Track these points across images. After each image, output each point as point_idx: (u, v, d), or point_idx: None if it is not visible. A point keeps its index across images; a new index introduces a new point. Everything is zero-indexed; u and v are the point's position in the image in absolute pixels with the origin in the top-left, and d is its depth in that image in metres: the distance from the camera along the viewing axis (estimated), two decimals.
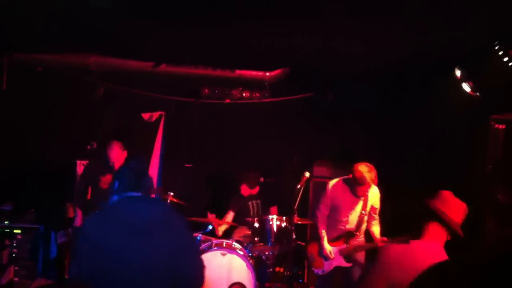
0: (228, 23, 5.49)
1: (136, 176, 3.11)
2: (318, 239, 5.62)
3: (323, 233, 5.57)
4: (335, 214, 5.56)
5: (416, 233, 3.05)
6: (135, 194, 3.08)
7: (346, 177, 5.56)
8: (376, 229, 5.54)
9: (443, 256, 2.87)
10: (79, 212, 6.22)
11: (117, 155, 6.04)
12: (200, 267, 3.11)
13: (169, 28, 5.77)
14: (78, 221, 6.18)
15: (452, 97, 5.44)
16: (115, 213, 2.99)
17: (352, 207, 5.52)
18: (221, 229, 6.67)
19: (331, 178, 5.78)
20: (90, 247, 2.86)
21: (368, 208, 5.51)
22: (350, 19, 4.93)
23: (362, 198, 5.48)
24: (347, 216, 5.52)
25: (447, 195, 3.06)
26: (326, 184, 5.72)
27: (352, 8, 4.66)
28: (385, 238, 5.29)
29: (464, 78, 5.06)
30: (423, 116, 6.34)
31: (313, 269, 5.68)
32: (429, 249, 2.92)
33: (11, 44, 6.70)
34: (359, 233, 5.55)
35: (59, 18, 5.59)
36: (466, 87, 5.06)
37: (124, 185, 3.09)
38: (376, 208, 5.57)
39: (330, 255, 5.48)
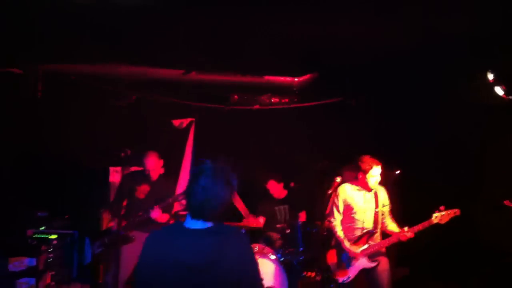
0: (256, 28, 5.53)
1: (205, 198, 2.65)
2: (337, 245, 5.54)
3: (342, 236, 5.51)
4: (351, 215, 5.55)
5: None
6: (199, 225, 2.69)
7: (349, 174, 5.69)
8: (393, 226, 5.55)
9: None
10: (116, 220, 6.27)
11: (154, 164, 6.10)
12: None
13: (197, 34, 5.84)
14: (115, 227, 6.24)
15: (483, 101, 5.41)
16: (167, 248, 2.67)
17: (365, 205, 5.54)
18: None
19: None
20: (143, 273, 2.73)
21: (380, 206, 5.55)
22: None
23: (373, 193, 5.55)
24: (363, 215, 5.53)
25: None
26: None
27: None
28: (408, 229, 5.32)
29: (496, 81, 5.01)
30: (452, 117, 6.32)
31: (337, 278, 5.50)
32: None
33: (44, 54, 6.86)
34: (377, 230, 5.54)
35: (89, 29, 5.72)
36: (499, 90, 5.01)
37: (190, 205, 2.69)
38: (387, 205, 5.63)
39: (356, 255, 5.42)
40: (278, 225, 6.64)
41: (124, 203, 6.12)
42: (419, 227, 5.30)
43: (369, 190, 5.57)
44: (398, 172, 6.76)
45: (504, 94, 4.97)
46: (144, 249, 2.76)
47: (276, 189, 6.95)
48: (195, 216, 2.69)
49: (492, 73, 5.00)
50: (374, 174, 5.46)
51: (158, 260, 2.65)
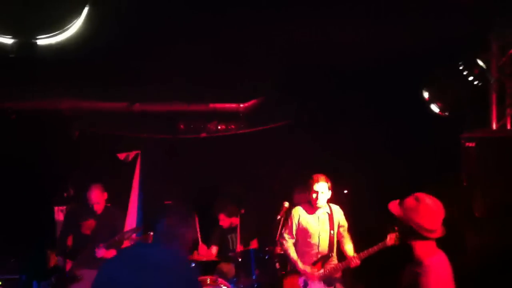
0: (199, 56, 5.49)
1: None
2: (293, 271, 5.50)
3: (295, 257, 5.46)
4: (305, 239, 5.50)
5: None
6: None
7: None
8: (348, 247, 5.50)
9: None
10: (61, 259, 6.11)
11: (98, 197, 6.01)
12: None
13: (141, 64, 5.76)
14: (61, 263, 6.07)
15: (423, 117, 5.51)
16: (127, 256, 2.95)
17: (320, 226, 5.50)
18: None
19: None
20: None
21: (335, 227, 5.51)
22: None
23: (327, 214, 5.51)
24: (317, 238, 5.49)
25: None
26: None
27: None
28: (356, 256, 5.27)
29: (432, 99, 5.12)
30: (399, 136, 6.41)
31: None
32: None
33: None
34: (333, 254, 5.51)
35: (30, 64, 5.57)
36: (434, 108, 5.11)
37: None
38: (344, 226, 5.59)
39: (311, 276, 5.37)
40: (231, 254, 6.56)
41: (70, 239, 5.98)
42: (369, 251, 5.18)
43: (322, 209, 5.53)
44: (346, 191, 6.82)
45: (440, 111, 5.07)
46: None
47: (226, 222, 6.91)
48: None
49: (427, 91, 5.10)
50: (318, 189, 5.41)
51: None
